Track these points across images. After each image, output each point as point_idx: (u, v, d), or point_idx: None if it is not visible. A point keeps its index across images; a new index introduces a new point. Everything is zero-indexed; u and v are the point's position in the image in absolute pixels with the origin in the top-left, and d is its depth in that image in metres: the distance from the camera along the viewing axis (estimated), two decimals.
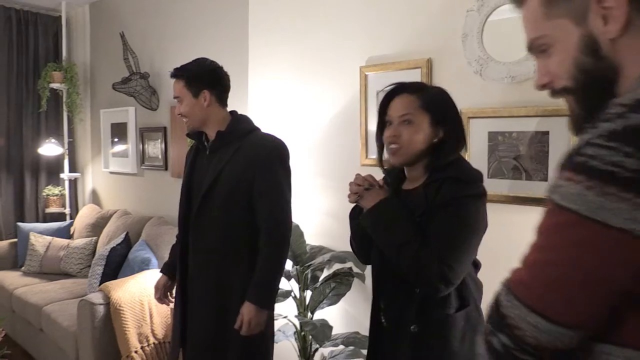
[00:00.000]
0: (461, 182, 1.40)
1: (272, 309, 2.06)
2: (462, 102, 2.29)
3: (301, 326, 2.61)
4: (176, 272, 2.16)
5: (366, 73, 2.61)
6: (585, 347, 0.65)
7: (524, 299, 0.64)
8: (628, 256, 0.58)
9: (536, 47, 0.75)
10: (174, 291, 2.25)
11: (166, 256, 3.33)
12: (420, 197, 1.44)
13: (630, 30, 0.65)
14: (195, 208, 2.02)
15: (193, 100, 2.02)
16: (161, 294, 2.28)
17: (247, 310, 1.92)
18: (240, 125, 2.07)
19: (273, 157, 1.99)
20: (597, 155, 0.58)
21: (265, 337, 2.02)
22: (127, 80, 3.93)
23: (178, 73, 2.06)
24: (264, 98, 3.19)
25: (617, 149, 0.57)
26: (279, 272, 1.99)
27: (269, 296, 1.98)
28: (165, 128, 3.94)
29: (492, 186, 2.20)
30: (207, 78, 2.05)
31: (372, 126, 2.61)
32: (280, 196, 1.97)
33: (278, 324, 2.69)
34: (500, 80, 2.18)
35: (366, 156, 2.63)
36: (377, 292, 1.59)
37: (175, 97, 2.08)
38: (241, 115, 2.15)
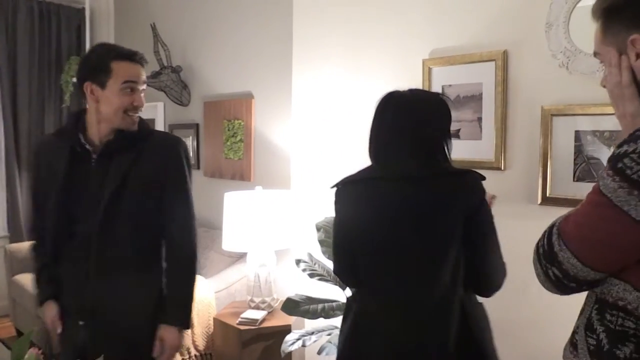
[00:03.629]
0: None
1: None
2: (545, 98, 2.10)
3: None
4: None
5: (430, 67, 2.41)
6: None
7: (569, 246, 0.95)
8: (635, 238, 0.89)
9: (597, 57, 1.06)
10: None
11: (202, 261, 3.17)
12: None
13: None
14: (98, 222, 1.67)
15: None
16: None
17: (171, 335, 1.73)
18: (145, 124, 1.81)
19: (182, 160, 1.79)
20: (630, 166, 0.87)
21: None
22: (157, 75, 3.73)
23: (144, 60, 1.75)
24: (310, 93, 2.99)
25: None
26: (194, 287, 1.81)
27: (190, 315, 1.81)
28: (197, 125, 3.75)
29: (579, 190, 2.01)
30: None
31: None
32: (191, 204, 1.81)
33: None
34: (590, 74, 1.97)
35: None
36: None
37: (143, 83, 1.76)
38: None
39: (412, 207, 1.46)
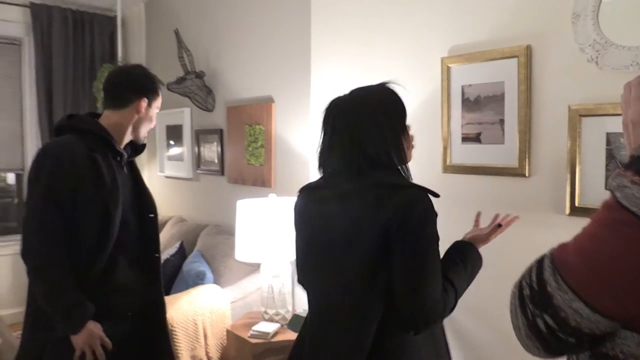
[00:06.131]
0: None
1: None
2: (573, 96, 1.89)
3: None
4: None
5: (449, 65, 2.24)
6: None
7: (572, 284, 0.69)
8: None
9: None
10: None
11: (222, 269, 3.10)
12: None
13: None
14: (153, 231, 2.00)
15: None
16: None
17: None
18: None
19: None
20: None
21: None
22: (182, 80, 3.71)
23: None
24: (328, 92, 2.86)
25: None
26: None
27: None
28: (221, 130, 3.70)
29: None
30: None
31: (455, 126, 2.24)
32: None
33: None
34: (623, 69, 1.76)
35: (449, 161, 2.26)
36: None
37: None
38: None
39: (335, 227, 1.33)
